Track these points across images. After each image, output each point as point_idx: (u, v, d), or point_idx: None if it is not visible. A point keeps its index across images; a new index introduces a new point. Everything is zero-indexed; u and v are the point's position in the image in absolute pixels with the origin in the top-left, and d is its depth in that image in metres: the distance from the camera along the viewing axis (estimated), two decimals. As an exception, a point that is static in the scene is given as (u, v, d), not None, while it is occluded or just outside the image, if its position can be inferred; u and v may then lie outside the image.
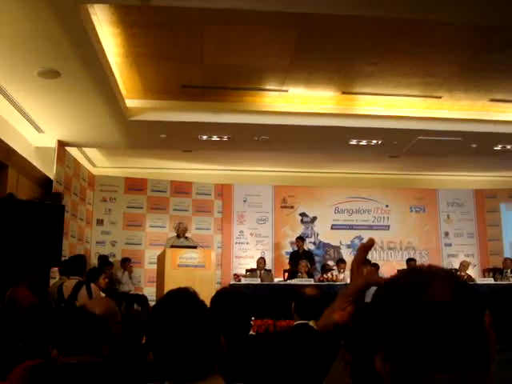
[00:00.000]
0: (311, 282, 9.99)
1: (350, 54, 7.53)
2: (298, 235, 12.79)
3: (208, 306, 2.00)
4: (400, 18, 6.19)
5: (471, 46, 7.27)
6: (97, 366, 2.18)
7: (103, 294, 6.90)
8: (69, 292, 6.06)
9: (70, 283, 6.19)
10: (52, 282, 8.43)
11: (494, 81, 8.46)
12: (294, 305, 3.61)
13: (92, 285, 6.22)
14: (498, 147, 10.55)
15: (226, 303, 2.87)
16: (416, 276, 0.99)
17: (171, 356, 1.61)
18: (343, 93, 8.99)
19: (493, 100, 9.26)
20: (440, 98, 9.16)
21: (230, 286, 9.80)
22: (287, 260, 12.17)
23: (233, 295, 2.97)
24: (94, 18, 6.10)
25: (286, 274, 11.24)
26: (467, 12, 5.63)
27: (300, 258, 11.17)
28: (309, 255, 11.76)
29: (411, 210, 13.95)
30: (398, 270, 1.09)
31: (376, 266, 11.15)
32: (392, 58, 7.63)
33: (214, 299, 2.95)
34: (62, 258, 8.14)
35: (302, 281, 9.90)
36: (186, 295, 1.75)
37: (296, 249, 12.03)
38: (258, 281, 10.27)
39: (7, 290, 6.46)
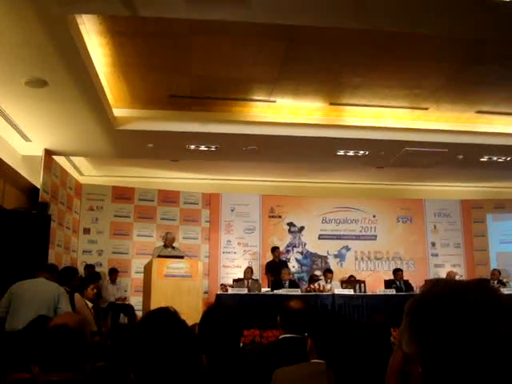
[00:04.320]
0: (298, 292, 9.98)
1: (337, 65, 7.57)
2: (284, 245, 12.86)
3: (192, 320, 1.99)
4: (387, 31, 6.23)
5: (458, 58, 7.33)
6: (78, 383, 2.15)
7: (90, 304, 6.85)
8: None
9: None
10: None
11: (480, 93, 8.54)
12: (280, 318, 3.60)
13: (76, 295, 6.16)
14: (484, 158, 10.63)
15: (216, 321, 2.83)
16: (487, 304, 0.91)
17: (152, 377, 1.60)
18: (331, 104, 9.02)
19: (479, 112, 9.34)
20: (427, 109, 9.22)
21: (217, 297, 9.78)
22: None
23: (222, 313, 2.93)
24: (82, 28, 6.10)
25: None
26: (454, 25, 5.68)
27: (278, 267, 11.18)
28: (286, 264, 11.83)
29: (398, 221, 13.99)
30: (438, 281, 0.99)
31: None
32: (379, 69, 7.68)
33: (204, 316, 2.91)
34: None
35: (289, 291, 9.89)
36: (165, 316, 1.73)
37: (271, 259, 12.02)
38: (245, 291, 10.23)
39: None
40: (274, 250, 12.05)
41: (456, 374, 0.85)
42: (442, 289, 0.95)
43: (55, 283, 5.91)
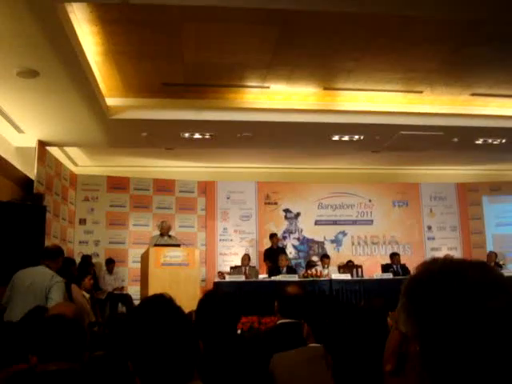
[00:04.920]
0: (295, 277, 9.99)
1: (330, 50, 7.53)
2: (281, 231, 12.88)
3: (190, 308, 1.98)
4: (380, 14, 6.20)
5: (452, 40, 7.30)
6: (75, 372, 2.15)
7: (87, 295, 6.85)
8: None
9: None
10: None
11: (474, 75, 8.50)
12: (277, 304, 3.60)
13: (73, 285, 6.14)
14: (480, 141, 10.61)
15: (213, 307, 2.82)
16: (484, 281, 0.89)
17: (149, 365, 1.60)
18: (325, 89, 8.99)
19: (474, 94, 9.31)
20: (421, 92, 9.19)
21: (214, 284, 9.79)
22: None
23: (220, 299, 2.93)
24: (72, 17, 6.04)
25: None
26: (447, 7, 5.65)
27: (276, 253, 11.18)
28: (284, 250, 11.82)
29: (394, 205, 14.00)
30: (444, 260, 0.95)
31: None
32: (373, 53, 7.64)
33: (200, 303, 2.91)
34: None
35: (286, 277, 9.89)
36: (161, 302, 1.72)
37: (269, 246, 12.01)
38: (242, 278, 10.25)
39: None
40: (272, 236, 12.05)
41: (455, 350, 0.84)
42: (438, 267, 0.94)
43: (51, 272, 5.84)
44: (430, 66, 8.11)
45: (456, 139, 10.44)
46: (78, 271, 7.15)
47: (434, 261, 0.97)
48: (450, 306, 0.86)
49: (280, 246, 12.28)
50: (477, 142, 10.69)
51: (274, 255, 11.20)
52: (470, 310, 0.85)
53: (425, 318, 0.88)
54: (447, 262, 0.95)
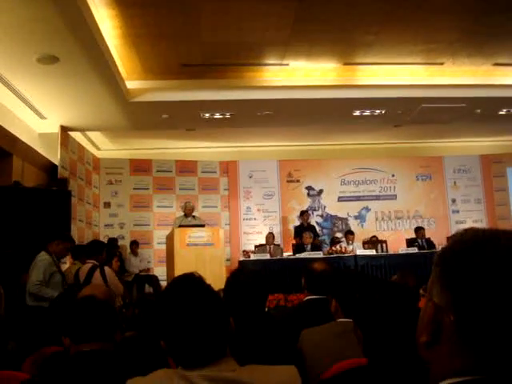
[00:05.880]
0: (320, 254, 10.00)
1: (349, 24, 7.43)
2: (304, 209, 12.83)
3: (216, 287, 2.00)
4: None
5: (472, 10, 7.16)
6: (108, 353, 2.18)
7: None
8: (84, 276, 6.11)
9: (85, 267, 6.24)
10: (63, 267, 8.49)
11: (496, 45, 8.35)
12: (305, 281, 3.61)
13: (106, 268, 6.23)
14: (503, 111, 10.46)
15: (242, 285, 2.84)
16: None
17: (181, 343, 1.62)
18: (345, 64, 8.90)
19: (496, 64, 9.15)
20: (442, 64, 9.06)
21: (240, 263, 9.84)
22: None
23: (248, 276, 2.94)
24: (90, 1, 6.04)
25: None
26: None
27: (304, 231, 11.17)
28: (312, 228, 11.79)
29: (417, 179, 13.90)
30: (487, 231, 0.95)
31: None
32: (392, 26, 7.53)
33: (229, 282, 2.93)
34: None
35: (311, 254, 9.91)
36: (191, 281, 1.75)
37: (299, 223, 12.00)
38: (267, 256, 10.29)
39: (18, 277, 6.55)
40: (302, 213, 12.05)
41: (490, 319, 0.85)
42: (470, 237, 0.94)
43: (40, 254, 6.11)
44: (451, 36, 7.98)
45: (479, 110, 10.31)
46: (108, 254, 7.21)
47: (466, 231, 0.96)
48: (484, 274, 0.86)
49: (310, 223, 12.23)
50: (500, 113, 10.54)
51: (302, 232, 11.19)
52: (504, 276, 0.85)
53: (459, 287, 0.88)
54: (479, 231, 0.95)
